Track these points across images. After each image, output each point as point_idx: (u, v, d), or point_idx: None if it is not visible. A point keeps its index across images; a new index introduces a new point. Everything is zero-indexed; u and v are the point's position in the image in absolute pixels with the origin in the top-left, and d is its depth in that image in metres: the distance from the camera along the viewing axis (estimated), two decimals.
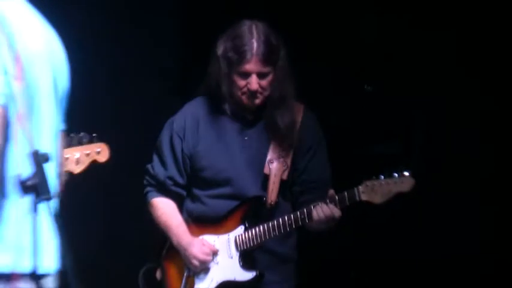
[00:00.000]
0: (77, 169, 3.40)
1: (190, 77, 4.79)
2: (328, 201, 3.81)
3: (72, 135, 3.38)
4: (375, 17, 5.55)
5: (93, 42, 5.33)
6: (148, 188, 4.15)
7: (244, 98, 3.94)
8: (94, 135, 3.42)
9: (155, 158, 4.12)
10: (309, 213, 3.84)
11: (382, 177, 3.75)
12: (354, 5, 5.52)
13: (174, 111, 4.18)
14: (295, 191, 4.06)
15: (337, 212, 3.81)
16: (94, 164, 3.71)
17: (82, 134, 3.40)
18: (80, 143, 3.39)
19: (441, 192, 5.36)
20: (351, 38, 5.51)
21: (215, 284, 3.98)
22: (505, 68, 5.33)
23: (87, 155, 3.41)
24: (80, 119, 5.20)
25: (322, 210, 3.80)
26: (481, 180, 5.37)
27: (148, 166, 4.14)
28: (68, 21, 5.23)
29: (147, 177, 4.14)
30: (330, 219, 3.81)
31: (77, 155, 3.38)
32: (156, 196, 4.12)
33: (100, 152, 3.44)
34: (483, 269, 5.34)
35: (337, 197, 3.82)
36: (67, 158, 3.35)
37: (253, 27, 3.92)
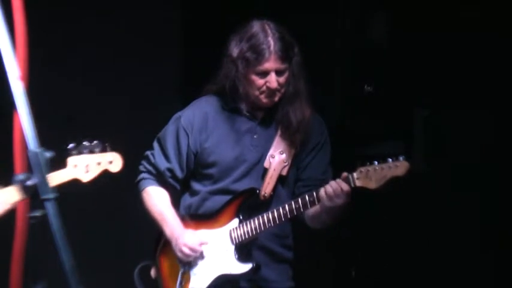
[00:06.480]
0: (86, 177, 3.27)
1: (191, 80, 4.80)
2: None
3: (84, 143, 3.28)
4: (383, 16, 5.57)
5: (93, 44, 5.36)
6: (145, 175, 4.11)
7: (262, 97, 3.92)
8: (107, 144, 3.30)
9: (157, 147, 4.09)
10: (304, 203, 3.80)
11: (376, 162, 3.71)
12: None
13: (173, 112, 4.15)
14: (298, 186, 4.02)
15: (345, 186, 3.74)
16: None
17: (95, 142, 3.29)
18: (92, 151, 3.27)
19: (442, 191, 5.33)
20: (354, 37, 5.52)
21: (211, 278, 3.94)
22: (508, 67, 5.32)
23: (98, 163, 3.28)
24: (81, 119, 5.29)
25: (330, 186, 3.73)
26: (482, 181, 5.33)
27: (148, 153, 4.11)
28: (68, 24, 5.30)
29: (146, 164, 4.11)
30: (338, 193, 3.73)
31: (87, 163, 3.25)
32: (152, 184, 4.09)
33: (112, 161, 3.32)
34: (483, 268, 5.28)
35: None
36: (76, 165, 3.26)
37: (266, 25, 3.91)
